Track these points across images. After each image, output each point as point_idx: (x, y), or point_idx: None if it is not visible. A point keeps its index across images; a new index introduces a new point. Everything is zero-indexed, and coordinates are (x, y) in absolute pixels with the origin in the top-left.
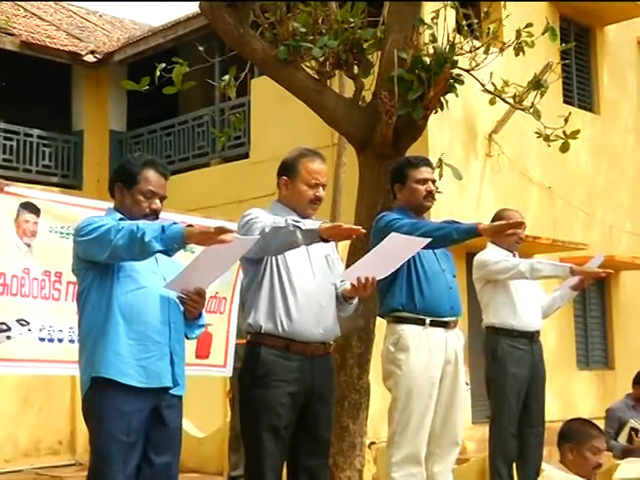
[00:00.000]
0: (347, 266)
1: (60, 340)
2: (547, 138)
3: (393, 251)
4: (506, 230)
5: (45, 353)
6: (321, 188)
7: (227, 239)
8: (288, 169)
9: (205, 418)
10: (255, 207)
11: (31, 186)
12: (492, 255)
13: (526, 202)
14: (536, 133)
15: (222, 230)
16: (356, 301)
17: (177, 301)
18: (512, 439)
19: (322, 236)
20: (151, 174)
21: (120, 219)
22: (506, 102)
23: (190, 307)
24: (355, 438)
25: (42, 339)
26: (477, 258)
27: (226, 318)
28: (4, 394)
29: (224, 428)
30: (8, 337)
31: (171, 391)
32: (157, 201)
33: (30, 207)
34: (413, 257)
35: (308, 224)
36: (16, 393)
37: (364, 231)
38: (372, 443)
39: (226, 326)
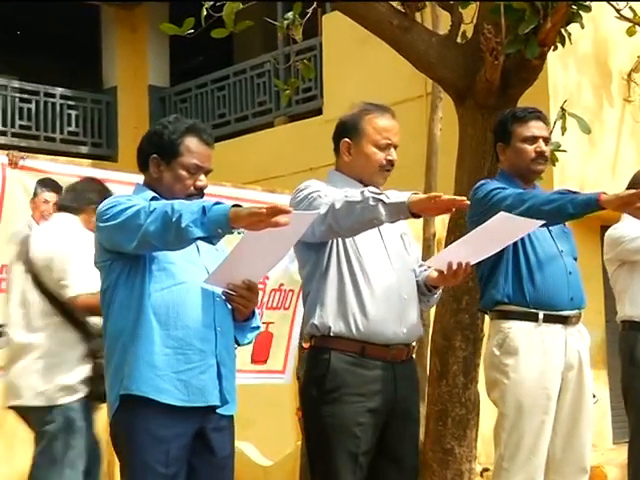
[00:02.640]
0: (446, 245)
1: None
2: None
3: (497, 233)
4: (637, 202)
5: None
6: (393, 150)
7: (282, 221)
8: (349, 129)
9: (273, 441)
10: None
11: (54, 158)
12: (628, 230)
13: None
14: None
15: (276, 210)
16: (440, 292)
17: (223, 298)
18: None
19: (412, 210)
20: (194, 143)
21: (152, 198)
22: None
23: (239, 305)
24: (462, 464)
25: None
26: (609, 234)
27: (291, 315)
28: None
29: (296, 453)
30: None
31: (219, 410)
32: (202, 176)
33: (50, 184)
34: (521, 237)
35: (393, 196)
36: None
37: (468, 202)
38: (485, 470)
39: (289, 324)
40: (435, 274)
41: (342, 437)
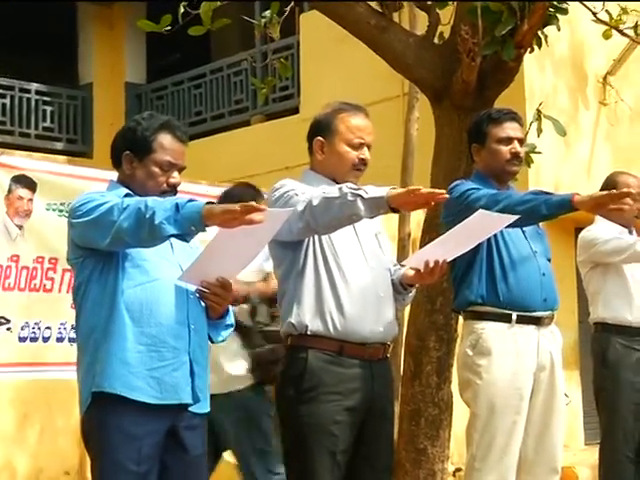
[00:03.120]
0: (421, 245)
1: (46, 339)
2: None
3: (474, 230)
4: (610, 203)
5: (25, 355)
6: (366, 149)
7: (257, 219)
8: (323, 128)
9: None
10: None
11: (29, 154)
12: (601, 232)
13: None
14: None
15: (250, 208)
16: (414, 291)
17: (197, 296)
18: (629, 464)
19: (391, 205)
20: (168, 140)
21: (126, 195)
22: (624, 35)
23: (213, 303)
24: (435, 464)
25: (23, 338)
26: (582, 236)
27: None
28: None
29: None
30: None
31: (191, 408)
32: (176, 173)
33: (24, 181)
34: (495, 237)
35: (371, 191)
36: (13, 410)
37: (447, 196)
38: (457, 470)
39: None
40: (411, 272)
41: (320, 436)
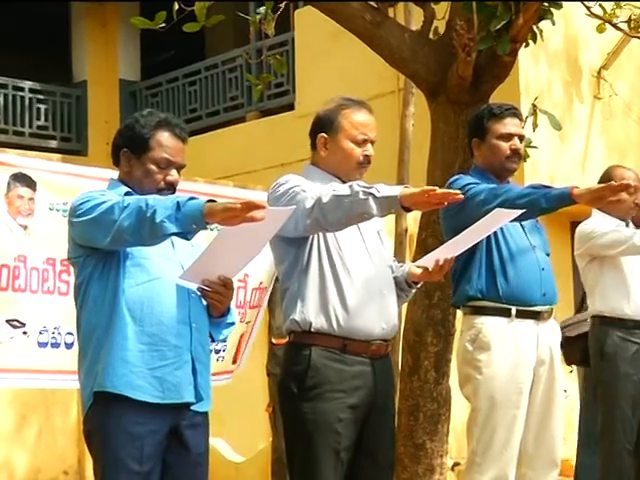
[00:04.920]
0: (417, 243)
1: (69, 345)
2: None
3: (485, 227)
4: (609, 196)
5: (46, 362)
6: (370, 145)
7: (257, 217)
8: (326, 124)
9: (245, 438)
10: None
11: (23, 152)
12: (598, 225)
13: None
14: None
15: (251, 205)
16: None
17: (198, 294)
18: (627, 457)
19: (404, 204)
20: (166, 138)
21: (126, 193)
22: (618, 29)
23: (214, 301)
24: (434, 459)
25: (43, 344)
26: (579, 229)
27: (256, 311)
28: None
29: (267, 449)
30: None
31: (193, 407)
32: (174, 171)
33: (24, 179)
34: (494, 232)
35: (383, 190)
36: (11, 410)
37: (462, 197)
38: (456, 464)
39: (253, 320)
40: (418, 271)
41: (323, 434)
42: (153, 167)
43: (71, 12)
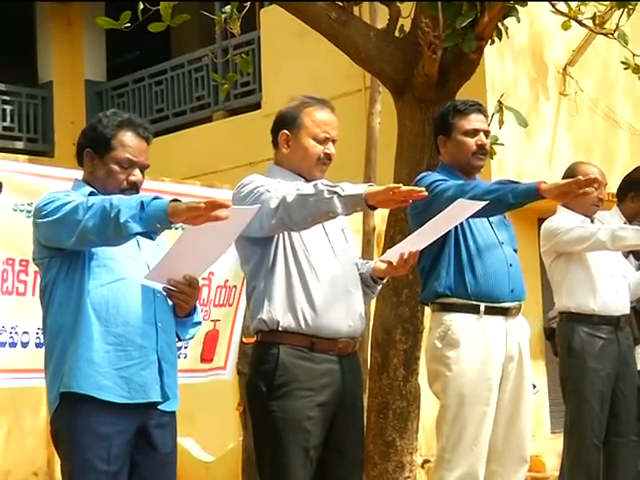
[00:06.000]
0: (385, 241)
1: (25, 344)
2: (638, 69)
3: (449, 218)
4: (575, 190)
5: (3, 361)
6: (331, 144)
7: (222, 216)
8: (288, 121)
9: (214, 437)
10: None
11: None
12: (563, 221)
13: (612, 152)
14: (623, 63)
15: (215, 204)
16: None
17: (164, 294)
18: (595, 452)
19: (369, 202)
20: (129, 137)
21: (90, 194)
22: (584, 25)
23: (180, 301)
24: (403, 456)
25: (1, 344)
26: (545, 226)
27: (233, 311)
28: None
29: (237, 449)
30: None
31: (160, 407)
32: (137, 171)
33: None
34: (462, 228)
35: (348, 188)
36: None
37: (426, 194)
38: (426, 461)
39: (232, 320)
40: (383, 266)
41: (293, 432)
42: (116, 167)
43: (36, 12)
